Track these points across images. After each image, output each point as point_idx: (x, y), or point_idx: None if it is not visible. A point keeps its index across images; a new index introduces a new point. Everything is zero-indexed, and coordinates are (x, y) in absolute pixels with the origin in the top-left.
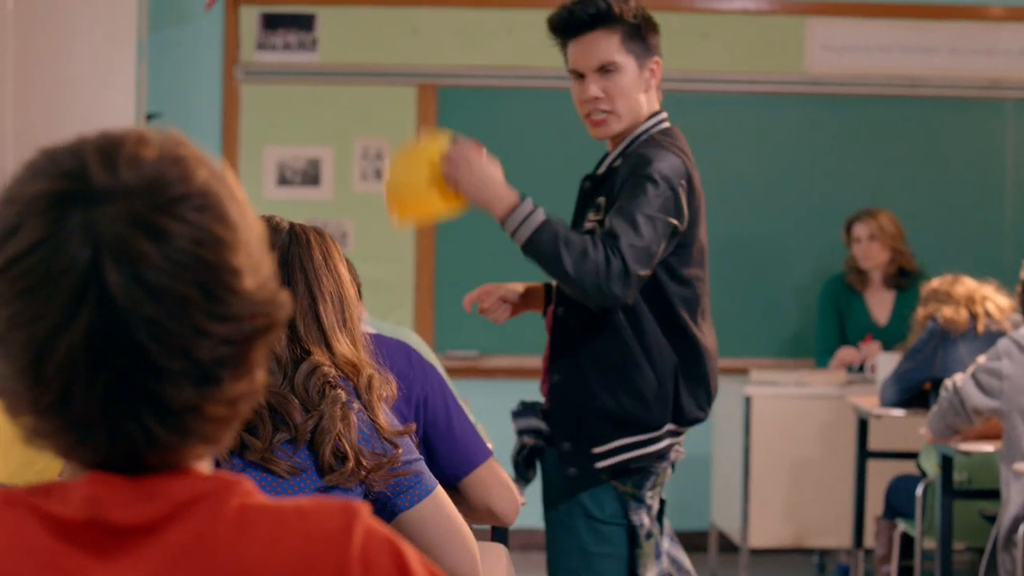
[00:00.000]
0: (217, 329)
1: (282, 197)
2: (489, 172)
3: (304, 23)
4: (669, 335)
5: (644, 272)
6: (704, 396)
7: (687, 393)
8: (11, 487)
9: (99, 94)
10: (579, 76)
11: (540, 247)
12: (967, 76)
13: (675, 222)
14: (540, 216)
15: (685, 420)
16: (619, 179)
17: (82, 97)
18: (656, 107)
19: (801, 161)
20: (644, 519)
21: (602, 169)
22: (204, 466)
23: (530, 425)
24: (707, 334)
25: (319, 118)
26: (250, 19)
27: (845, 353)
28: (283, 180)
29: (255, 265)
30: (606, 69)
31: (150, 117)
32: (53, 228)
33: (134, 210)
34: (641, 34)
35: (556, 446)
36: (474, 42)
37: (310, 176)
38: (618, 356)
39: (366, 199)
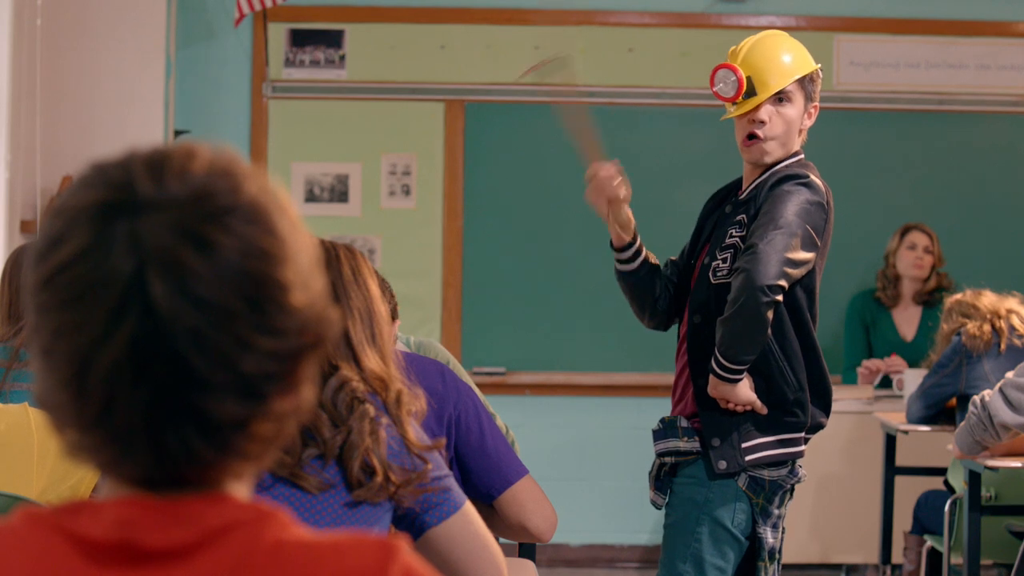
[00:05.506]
0: (263, 343)
1: (310, 213)
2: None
3: (332, 39)
4: (802, 347)
5: (787, 255)
6: (826, 404)
7: (813, 401)
8: (38, 505)
9: (128, 110)
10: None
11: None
12: (995, 92)
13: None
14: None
15: (812, 427)
16: (761, 195)
17: (111, 113)
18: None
19: (829, 176)
20: (769, 536)
21: (744, 195)
22: (242, 489)
23: (669, 447)
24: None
25: (347, 134)
26: (278, 36)
27: (871, 362)
28: (311, 196)
29: (304, 281)
30: (780, 97)
31: (178, 133)
32: (97, 238)
33: (180, 221)
34: (813, 81)
35: (704, 444)
36: (501, 58)
37: (338, 192)
38: (761, 362)
39: (394, 215)
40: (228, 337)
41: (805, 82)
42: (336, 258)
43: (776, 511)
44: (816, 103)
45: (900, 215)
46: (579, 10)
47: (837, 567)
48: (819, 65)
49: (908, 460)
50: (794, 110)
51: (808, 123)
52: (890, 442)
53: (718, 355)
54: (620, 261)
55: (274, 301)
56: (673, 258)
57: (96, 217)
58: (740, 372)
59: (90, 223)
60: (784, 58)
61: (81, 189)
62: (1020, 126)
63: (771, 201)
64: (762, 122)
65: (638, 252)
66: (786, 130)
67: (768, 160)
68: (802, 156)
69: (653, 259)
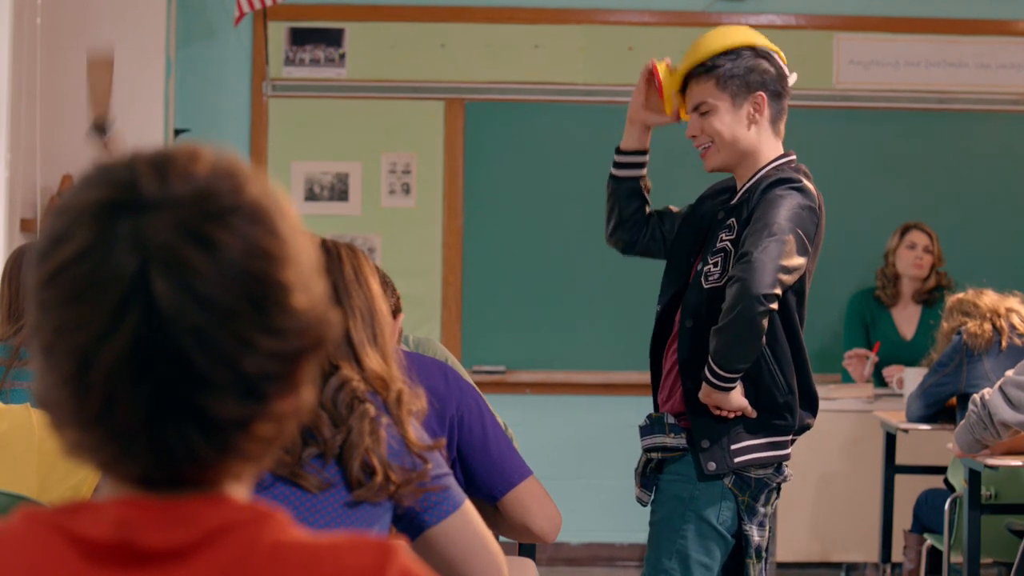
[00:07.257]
0: (264, 343)
1: (310, 212)
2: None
3: (332, 38)
4: (792, 350)
5: (782, 262)
6: (812, 406)
7: (800, 404)
8: (39, 505)
9: (128, 110)
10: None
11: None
12: (995, 91)
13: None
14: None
15: (799, 428)
16: (753, 199)
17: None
18: (778, 144)
19: (828, 175)
20: (755, 534)
21: (735, 200)
22: (241, 490)
23: (656, 443)
24: None
25: (347, 133)
26: (278, 34)
27: (854, 352)
28: (311, 195)
29: (305, 283)
30: (700, 111)
31: (178, 132)
32: (101, 236)
33: (183, 220)
34: (740, 74)
35: (694, 445)
36: (501, 57)
37: (338, 191)
38: (752, 367)
39: (394, 214)
40: (230, 336)
41: (722, 80)
42: (338, 257)
43: (762, 509)
44: (759, 91)
45: (900, 214)
46: (579, 9)
47: (837, 566)
48: (735, 44)
49: (908, 459)
50: (718, 118)
51: (760, 115)
52: (890, 441)
53: (712, 364)
54: (617, 164)
55: (276, 301)
56: (674, 208)
57: (100, 215)
58: (734, 380)
59: (93, 221)
60: (686, 73)
61: (85, 188)
62: (1020, 126)
63: (763, 206)
64: (693, 136)
65: (639, 168)
66: (717, 138)
67: (718, 162)
68: (793, 157)
69: (647, 187)
